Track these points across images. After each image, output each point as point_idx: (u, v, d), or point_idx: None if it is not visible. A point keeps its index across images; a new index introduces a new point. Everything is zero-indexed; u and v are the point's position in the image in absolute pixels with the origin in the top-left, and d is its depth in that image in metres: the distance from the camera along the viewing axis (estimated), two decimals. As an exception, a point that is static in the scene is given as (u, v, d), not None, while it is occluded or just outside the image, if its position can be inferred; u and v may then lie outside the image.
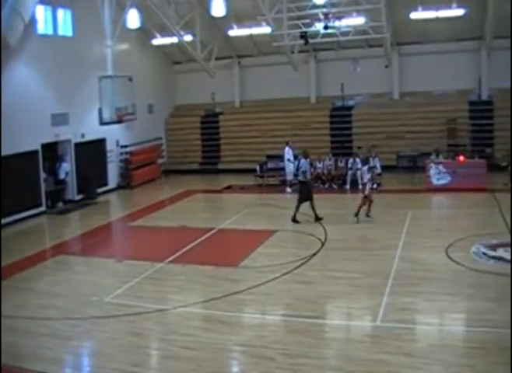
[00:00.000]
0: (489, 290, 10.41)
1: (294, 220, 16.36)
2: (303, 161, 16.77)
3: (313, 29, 21.80)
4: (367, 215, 16.12)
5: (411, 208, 17.51)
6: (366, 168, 16.92)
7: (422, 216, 16.86)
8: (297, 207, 16.36)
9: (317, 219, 16.23)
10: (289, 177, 21.67)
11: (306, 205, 16.34)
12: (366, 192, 16.06)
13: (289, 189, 21.50)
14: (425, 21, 23.00)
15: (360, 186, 17.79)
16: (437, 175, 20.19)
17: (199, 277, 12.28)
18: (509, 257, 12.28)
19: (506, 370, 7.47)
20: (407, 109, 25.06)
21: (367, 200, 16.07)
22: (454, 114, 23.90)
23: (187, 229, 16.66)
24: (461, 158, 20.65)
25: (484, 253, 12.71)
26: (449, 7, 21.42)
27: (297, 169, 17.54)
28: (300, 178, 16.84)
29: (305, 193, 16.36)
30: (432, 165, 20.42)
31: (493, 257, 12.44)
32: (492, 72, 23.57)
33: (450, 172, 20.08)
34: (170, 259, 13.56)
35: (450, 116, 23.86)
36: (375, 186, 16.83)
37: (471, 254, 12.71)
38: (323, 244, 14.15)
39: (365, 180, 16.48)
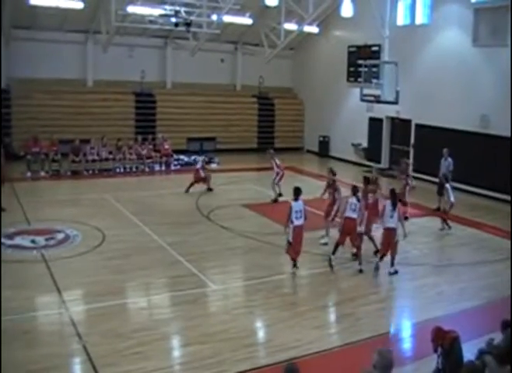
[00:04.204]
0: (7, 278, 10.30)
1: None
2: None
3: None
4: None
5: None
6: None
7: None
8: None
9: None
10: None
11: None
12: None
13: None
14: None
15: None
16: None
17: None
18: (27, 244, 12.48)
19: (26, 352, 7.78)
20: None
21: None
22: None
23: None
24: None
25: (2, 243, 12.50)
26: None
27: None
28: None
29: None
30: None
31: (11, 246, 12.38)
32: (9, 61, 23.25)
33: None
34: None
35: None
36: None
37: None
38: None
39: None
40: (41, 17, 22.71)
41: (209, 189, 18.75)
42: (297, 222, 10.98)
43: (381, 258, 11.62)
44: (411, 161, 20.50)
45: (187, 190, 18.42)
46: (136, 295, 10.54)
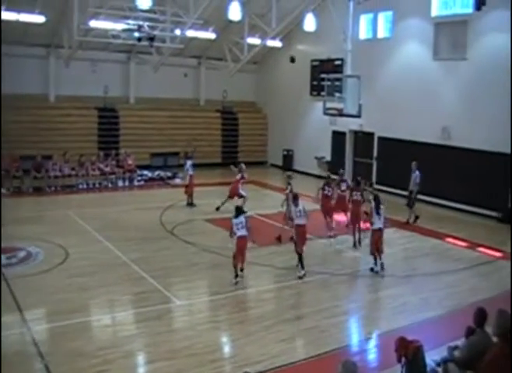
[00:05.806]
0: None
1: None
2: None
3: None
4: None
5: None
6: None
7: None
8: None
9: None
10: None
11: None
12: None
13: None
14: None
15: None
16: None
17: None
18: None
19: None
20: None
21: None
22: None
23: None
24: None
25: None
26: None
27: None
28: None
29: None
30: None
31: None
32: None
33: None
34: None
35: None
36: None
37: None
38: None
39: None
40: (1, 30, 22.34)
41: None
42: (239, 233, 11.54)
43: (375, 258, 12.64)
44: (374, 173, 20.74)
45: (218, 208, 18.15)
46: (100, 313, 10.35)
